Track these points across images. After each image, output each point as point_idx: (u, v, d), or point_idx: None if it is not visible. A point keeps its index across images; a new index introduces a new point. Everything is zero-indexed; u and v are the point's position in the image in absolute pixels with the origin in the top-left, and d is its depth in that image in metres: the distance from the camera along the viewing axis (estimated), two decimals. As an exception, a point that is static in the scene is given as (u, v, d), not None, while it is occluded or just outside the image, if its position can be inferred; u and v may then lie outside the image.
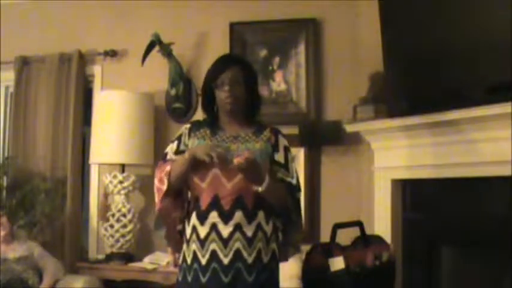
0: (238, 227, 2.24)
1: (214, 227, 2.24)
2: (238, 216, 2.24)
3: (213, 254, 2.23)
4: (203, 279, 2.24)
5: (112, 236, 3.91)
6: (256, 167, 2.17)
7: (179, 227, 2.39)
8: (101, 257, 4.11)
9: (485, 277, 3.04)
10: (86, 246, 4.37)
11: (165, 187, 2.28)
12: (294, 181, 2.36)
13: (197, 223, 2.27)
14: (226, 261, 2.23)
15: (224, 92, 2.30)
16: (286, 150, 2.40)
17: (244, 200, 2.25)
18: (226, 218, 2.24)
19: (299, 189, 2.40)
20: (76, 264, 4.02)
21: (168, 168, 2.29)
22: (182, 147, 2.38)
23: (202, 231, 2.26)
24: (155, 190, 2.34)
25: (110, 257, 3.94)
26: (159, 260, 3.82)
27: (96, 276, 3.85)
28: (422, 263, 3.37)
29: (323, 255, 3.03)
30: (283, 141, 2.40)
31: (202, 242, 2.25)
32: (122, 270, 3.88)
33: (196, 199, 2.30)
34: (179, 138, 2.42)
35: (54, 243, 4.12)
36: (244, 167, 2.14)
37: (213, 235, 2.24)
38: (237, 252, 2.23)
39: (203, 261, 2.25)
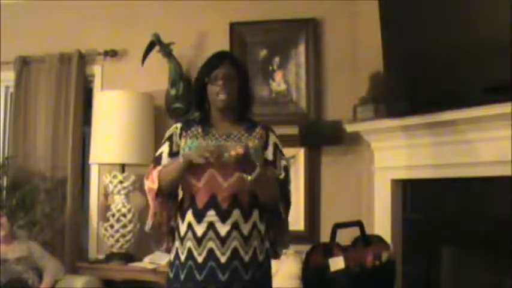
0: (235, 226, 2.24)
1: (211, 225, 2.24)
2: (236, 214, 2.25)
3: (210, 252, 2.24)
4: (199, 277, 2.24)
5: (112, 236, 3.91)
6: (249, 157, 2.16)
7: (172, 223, 2.37)
8: (101, 257, 4.11)
9: (485, 277, 3.04)
10: (86, 246, 4.36)
11: (155, 186, 2.27)
12: (281, 176, 2.33)
13: (193, 221, 2.26)
14: (223, 259, 2.23)
15: (217, 86, 2.29)
16: (275, 147, 2.39)
17: (240, 199, 2.26)
18: (223, 216, 2.24)
19: (287, 183, 2.36)
20: (76, 264, 4.02)
21: (159, 168, 2.29)
22: (175, 148, 2.36)
23: (199, 229, 2.25)
24: (147, 191, 2.32)
25: (109, 257, 3.94)
26: (159, 260, 3.82)
27: (96, 276, 3.85)
28: (422, 263, 3.37)
29: (323, 255, 3.04)
30: (273, 138, 2.40)
31: (199, 240, 2.25)
32: (122, 270, 3.88)
33: (192, 198, 2.29)
34: (170, 139, 2.38)
35: (54, 243, 4.12)
36: (240, 158, 2.12)
37: (211, 233, 2.24)
38: (235, 251, 2.24)
39: (199, 259, 2.24)
